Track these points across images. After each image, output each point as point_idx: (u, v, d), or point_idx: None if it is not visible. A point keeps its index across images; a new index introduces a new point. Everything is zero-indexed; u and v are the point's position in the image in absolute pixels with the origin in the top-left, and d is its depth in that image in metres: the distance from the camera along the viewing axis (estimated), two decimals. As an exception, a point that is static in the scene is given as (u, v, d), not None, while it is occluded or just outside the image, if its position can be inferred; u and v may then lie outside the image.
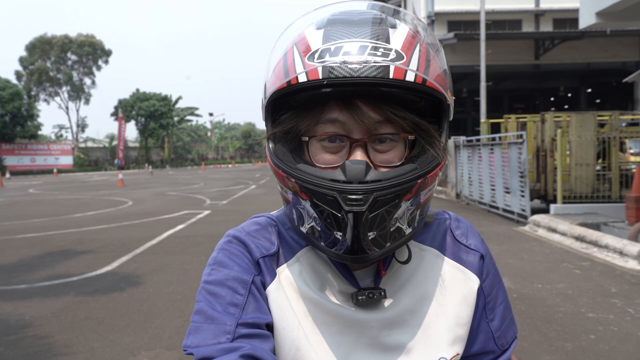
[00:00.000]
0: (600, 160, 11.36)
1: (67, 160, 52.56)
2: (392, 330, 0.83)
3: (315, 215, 0.75)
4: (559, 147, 10.76)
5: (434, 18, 24.45)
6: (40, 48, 54.16)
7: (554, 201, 11.01)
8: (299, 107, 0.79)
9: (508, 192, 11.15)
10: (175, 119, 66.94)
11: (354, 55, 0.72)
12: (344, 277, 0.84)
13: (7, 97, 43.57)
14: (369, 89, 0.73)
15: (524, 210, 10.38)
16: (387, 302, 0.84)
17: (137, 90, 59.30)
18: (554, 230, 8.77)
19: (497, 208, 11.83)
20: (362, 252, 0.74)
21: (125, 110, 56.82)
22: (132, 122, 59.32)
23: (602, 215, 10.03)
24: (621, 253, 6.79)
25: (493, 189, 12.07)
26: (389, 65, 0.71)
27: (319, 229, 0.76)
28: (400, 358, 0.83)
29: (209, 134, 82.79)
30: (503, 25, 24.63)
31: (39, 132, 52.25)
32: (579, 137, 10.81)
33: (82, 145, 63.20)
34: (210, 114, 75.73)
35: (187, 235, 9.56)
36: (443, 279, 0.89)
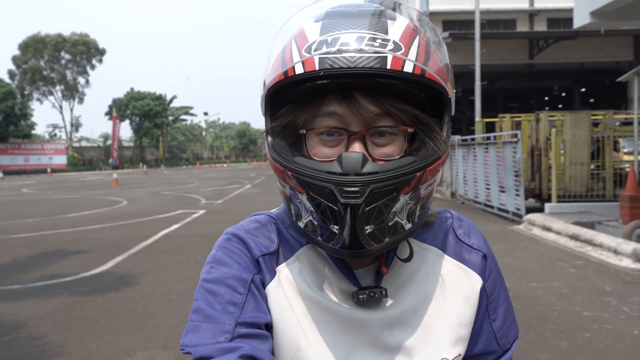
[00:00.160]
0: (593, 160, 11.42)
1: (61, 160, 52.25)
2: (394, 330, 0.82)
3: (312, 209, 0.74)
4: (554, 146, 10.80)
5: (429, 17, 24.47)
6: (33, 47, 53.81)
7: (549, 200, 11.06)
8: (298, 100, 0.79)
9: (503, 191, 11.19)
10: (170, 118, 66.70)
11: (351, 45, 0.71)
12: (345, 276, 0.83)
13: (0, 96, 43.27)
14: (366, 80, 0.72)
15: (518, 209, 10.41)
16: (388, 302, 0.83)
17: (132, 89, 59.05)
18: (548, 229, 8.81)
19: (492, 207, 11.87)
20: (360, 247, 0.72)
21: (119, 109, 56.57)
22: (127, 122, 59.06)
23: (597, 214, 10.08)
24: (615, 252, 6.82)
25: (488, 188, 12.10)
26: (386, 55, 0.70)
27: (316, 223, 0.75)
28: (401, 358, 0.82)
29: (203, 133, 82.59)
30: (498, 25, 24.70)
31: (33, 132, 51.95)
32: (573, 136, 10.86)
33: (76, 144, 62.86)
34: (205, 114, 75.56)
35: (182, 234, 9.54)
36: (445, 278, 0.87)
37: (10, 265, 7.27)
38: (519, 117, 14.08)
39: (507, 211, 11.01)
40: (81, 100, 58.29)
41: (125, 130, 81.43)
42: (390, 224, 0.73)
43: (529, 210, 10.58)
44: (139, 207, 14.84)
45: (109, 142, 60.45)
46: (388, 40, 0.72)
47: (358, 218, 0.70)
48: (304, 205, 0.76)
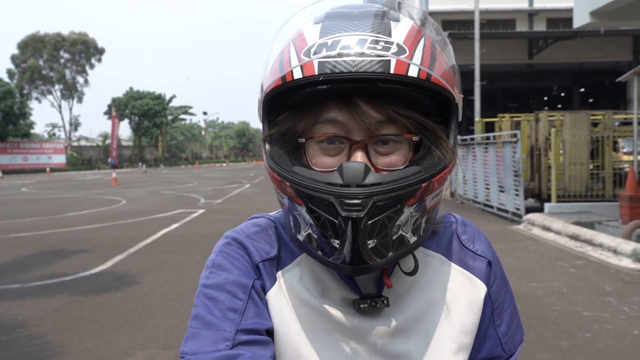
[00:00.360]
0: (592, 160, 11.43)
1: (60, 159, 52.21)
2: (396, 339, 0.81)
3: (311, 222, 0.71)
4: (553, 146, 10.80)
5: (429, 17, 24.47)
6: (32, 46, 53.76)
7: (548, 200, 11.07)
8: (296, 106, 0.75)
9: (502, 191, 11.19)
10: (169, 117, 66.68)
11: (352, 49, 0.67)
12: (345, 283, 0.81)
13: (-1, 95, 43.30)
14: (369, 85, 0.68)
15: (518, 209, 10.41)
16: (390, 310, 0.81)
17: (131, 88, 59.00)
18: (548, 229, 8.81)
19: (492, 207, 11.87)
20: (362, 262, 0.69)
21: (118, 108, 56.56)
22: (126, 121, 59.05)
23: (596, 214, 10.08)
24: (615, 252, 6.82)
25: (487, 188, 12.10)
26: (389, 60, 0.67)
27: (316, 236, 0.72)
28: None
29: (203, 132, 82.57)
30: (497, 25, 24.69)
31: (32, 131, 51.95)
32: (572, 136, 10.87)
33: (75, 144, 62.81)
34: (205, 113, 75.50)
35: (182, 234, 9.53)
36: (449, 285, 0.85)
37: (9, 264, 7.26)
38: (519, 117, 14.08)
39: (506, 211, 11.01)
40: (80, 100, 58.26)
41: (125, 130, 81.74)
42: (394, 237, 0.70)
43: (529, 210, 10.58)
44: (138, 206, 14.82)
45: (108, 141, 60.43)
46: (391, 43, 0.69)
47: (360, 232, 0.67)
48: (303, 218, 0.73)
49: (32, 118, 49.94)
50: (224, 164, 64.49)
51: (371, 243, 0.68)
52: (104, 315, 4.91)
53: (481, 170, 12.48)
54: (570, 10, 10.86)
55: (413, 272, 0.80)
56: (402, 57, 0.68)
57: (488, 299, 0.87)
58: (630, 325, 4.41)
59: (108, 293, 5.67)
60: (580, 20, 9.90)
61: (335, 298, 0.81)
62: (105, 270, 6.76)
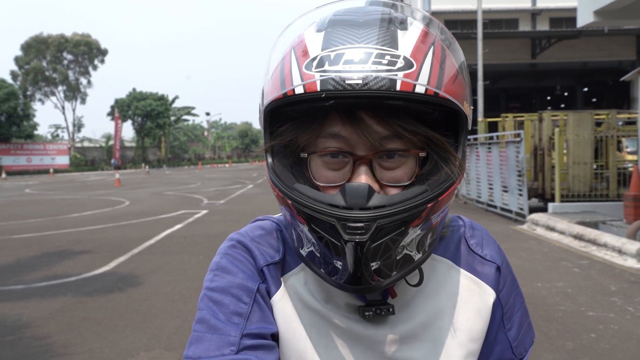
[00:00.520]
0: (596, 159, 11.40)
1: (63, 160, 52.35)
2: (403, 346, 0.79)
3: (313, 240, 0.70)
4: (557, 146, 10.78)
5: (431, 17, 24.47)
6: (35, 47, 53.94)
7: (552, 200, 11.04)
8: (299, 118, 0.73)
9: (506, 191, 11.16)
10: (172, 118, 66.86)
11: (356, 64, 0.64)
12: None
13: (3, 96, 43.38)
14: (373, 101, 0.65)
15: (522, 209, 10.38)
16: (397, 316, 0.80)
17: (134, 89, 59.22)
18: (552, 229, 8.78)
19: (495, 207, 11.84)
20: (366, 283, 0.68)
21: (121, 109, 56.68)
22: (129, 122, 59.22)
23: (600, 213, 10.05)
24: (620, 251, 6.80)
25: (491, 188, 12.08)
26: (395, 79, 0.64)
27: (318, 255, 0.70)
28: None
29: (205, 133, 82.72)
30: (500, 25, 24.68)
31: (35, 132, 52.07)
32: (576, 135, 10.84)
33: (79, 145, 62.99)
34: (207, 114, 75.71)
35: (185, 235, 9.54)
36: (456, 292, 0.83)
37: (13, 265, 7.27)
38: (522, 116, 14.06)
39: (510, 211, 10.98)
40: (83, 101, 58.45)
41: (128, 131, 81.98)
42: (398, 257, 0.69)
43: (532, 210, 10.55)
44: (142, 207, 14.84)
45: (111, 142, 60.53)
46: (398, 57, 0.65)
47: (363, 255, 0.65)
48: (305, 235, 0.71)
49: (35, 119, 50.03)
50: (227, 165, 64.57)
51: (374, 265, 0.67)
52: (107, 316, 4.91)
53: (484, 170, 12.46)
54: (573, 10, 10.84)
55: (418, 284, 0.79)
56: (408, 72, 0.65)
57: (497, 304, 0.85)
58: (636, 325, 4.39)
59: (112, 294, 5.67)
60: (584, 19, 9.87)
61: (340, 304, 0.79)
62: (109, 271, 6.77)
